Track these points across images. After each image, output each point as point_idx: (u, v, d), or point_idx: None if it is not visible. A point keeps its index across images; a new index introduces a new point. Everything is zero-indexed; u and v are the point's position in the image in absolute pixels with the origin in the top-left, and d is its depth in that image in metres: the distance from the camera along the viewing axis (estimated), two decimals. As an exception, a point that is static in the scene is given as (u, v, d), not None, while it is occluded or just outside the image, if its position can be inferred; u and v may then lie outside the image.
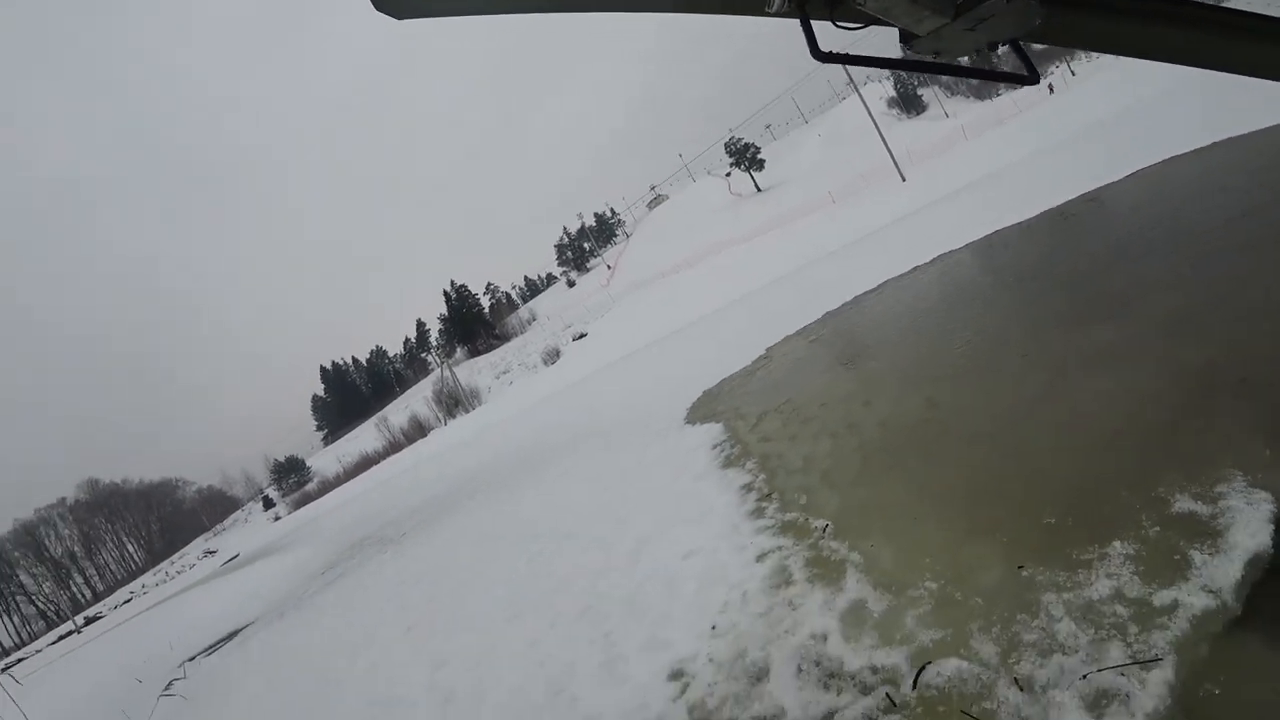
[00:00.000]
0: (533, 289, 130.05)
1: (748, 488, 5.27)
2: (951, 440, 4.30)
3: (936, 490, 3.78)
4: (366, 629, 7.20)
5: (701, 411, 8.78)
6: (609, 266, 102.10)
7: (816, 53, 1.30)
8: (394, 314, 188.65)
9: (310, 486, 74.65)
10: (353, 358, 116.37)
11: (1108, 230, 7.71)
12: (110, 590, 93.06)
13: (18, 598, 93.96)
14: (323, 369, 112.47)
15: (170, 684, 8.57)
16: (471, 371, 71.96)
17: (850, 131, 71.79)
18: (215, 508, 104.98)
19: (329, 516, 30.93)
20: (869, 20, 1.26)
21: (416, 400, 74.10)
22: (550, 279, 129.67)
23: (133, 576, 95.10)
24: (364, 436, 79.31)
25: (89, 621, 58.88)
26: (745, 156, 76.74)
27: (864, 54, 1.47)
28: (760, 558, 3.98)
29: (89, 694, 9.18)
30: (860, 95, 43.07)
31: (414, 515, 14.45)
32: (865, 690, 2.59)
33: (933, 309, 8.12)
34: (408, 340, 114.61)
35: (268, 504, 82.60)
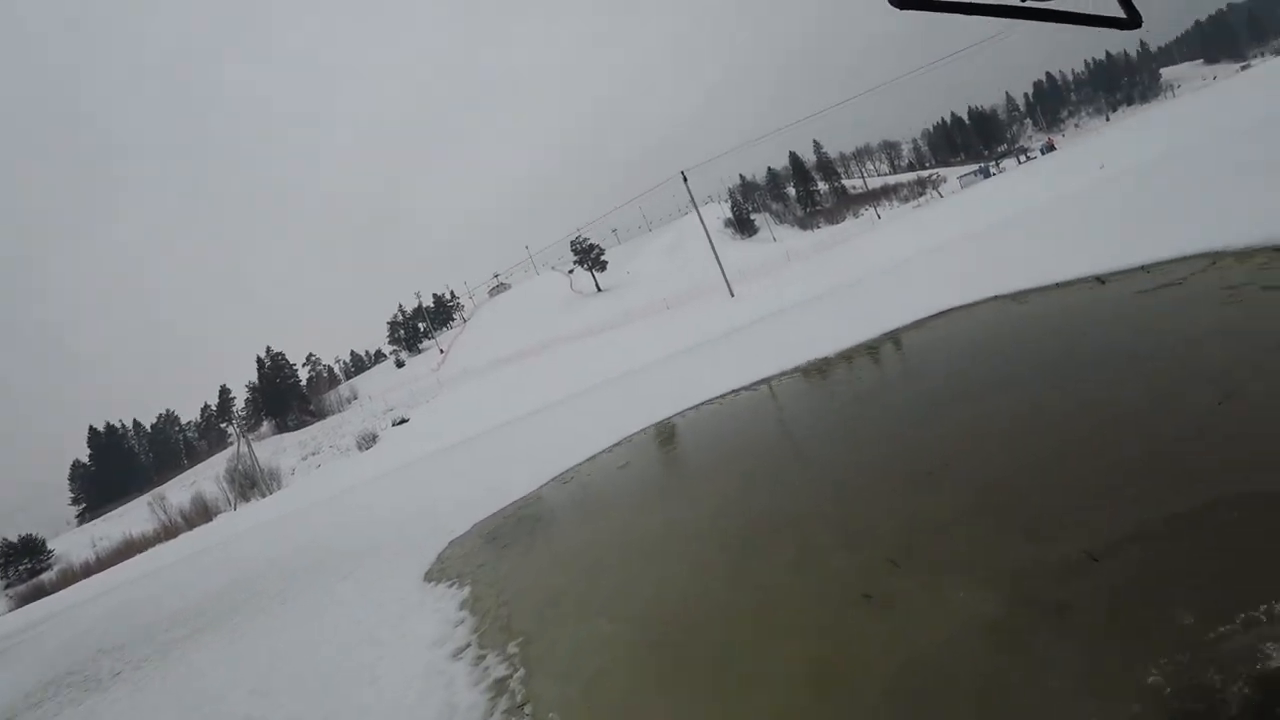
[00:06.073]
0: (359, 365, 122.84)
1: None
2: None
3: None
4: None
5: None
6: (441, 350, 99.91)
7: None
8: (196, 376, 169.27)
9: (48, 576, 62.17)
10: (134, 420, 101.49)
11: (899, 365, 8.75)
12: None
13: None
14: (92, 430, 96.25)
15: None
16: (277, 449, 65.35)
17: (690, 245, 76.97)
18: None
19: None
20: None
21: (206, 477, 65.60)
22: (378, 356, 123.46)
23: None
24: (133, 515, 68.20)
25: None
26: (589, 256, 79.30)
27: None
28: None
29: None
30: (699, 214, 47.19)
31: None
32: None
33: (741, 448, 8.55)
34: (207, 407, 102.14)
35: (-27, 598, 67.38)
